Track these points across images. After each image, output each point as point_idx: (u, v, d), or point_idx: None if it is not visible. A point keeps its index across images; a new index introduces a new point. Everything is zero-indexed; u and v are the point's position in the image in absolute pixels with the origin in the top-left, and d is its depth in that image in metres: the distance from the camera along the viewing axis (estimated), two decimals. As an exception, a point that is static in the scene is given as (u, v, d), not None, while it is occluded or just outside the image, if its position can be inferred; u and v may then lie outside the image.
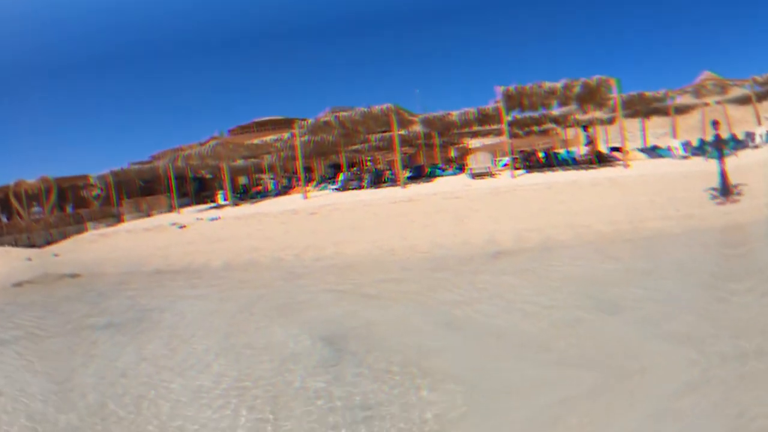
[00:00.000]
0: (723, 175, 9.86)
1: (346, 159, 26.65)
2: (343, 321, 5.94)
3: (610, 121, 26.48)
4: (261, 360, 4.99)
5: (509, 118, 18.61)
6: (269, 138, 23.33)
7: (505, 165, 19.68)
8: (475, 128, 23.85)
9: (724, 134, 10.57)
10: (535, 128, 26.78)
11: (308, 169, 28.73)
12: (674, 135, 22.27)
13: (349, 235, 11.15)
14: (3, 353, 6.29)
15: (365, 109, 17.28)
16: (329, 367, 4.59)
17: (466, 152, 36.01)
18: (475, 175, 16.82)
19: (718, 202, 9.73)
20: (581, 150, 19.39)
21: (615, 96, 16.92)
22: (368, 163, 33.87)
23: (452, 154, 33.42)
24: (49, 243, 20.58)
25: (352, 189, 18.98)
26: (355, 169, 25.80)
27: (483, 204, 12.13)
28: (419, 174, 20.70)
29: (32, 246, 20.18)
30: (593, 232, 9.08)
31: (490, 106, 19.05)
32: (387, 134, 23.09)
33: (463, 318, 5.57)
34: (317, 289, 7.66)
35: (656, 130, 32.47)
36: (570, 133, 29.33)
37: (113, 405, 4.32)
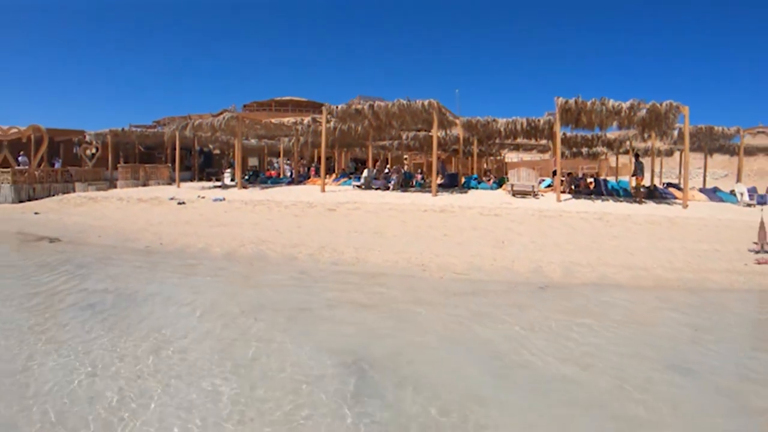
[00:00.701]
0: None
1: (372, 155, 26.06)
2: (368, 343, 5.30)
3: (669, 153, 25.75)
4: (267, 381, 4.38)
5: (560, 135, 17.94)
6: (288, 119, 22.91)
7: (548, 186, 19.03)
8: (519, 140, 23.18)
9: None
10: (585, 150, 26.05)
11: (328, 160, 28.19)
12: (738, 178, 21.57)
13: (371, 241, 10.53)
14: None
15: (405, 102, 16.69)
16: (351, 401, 4.00)
17: (501, 165, 35.38)
18: (516, 193, 16.18)
19: (760, 260, 9.09)
20: (632, 181, 18.70)
21: (684, 126, 16.20)
22: (401, 162, 33.30)
23: (486, 165, 32.74)
24: (31, 199, 20.29)
25: (376, 189, 18.40)
26: (387, 167, 25.16)
27: (526, 227, 11.50)
28: (453, 183, 20.05)
29: (13, 201, 19.91)
30: (653, 276, 8.45)
31: (542, 118, 18.44)
32: (421, 134, 22.47)
33: (514, 360, 4.97)
34: (336, 299, 7.02)
35: (716, 170, 31.62)
36: (621, 160, 28.55)
37: (73, 413, 3.78)
